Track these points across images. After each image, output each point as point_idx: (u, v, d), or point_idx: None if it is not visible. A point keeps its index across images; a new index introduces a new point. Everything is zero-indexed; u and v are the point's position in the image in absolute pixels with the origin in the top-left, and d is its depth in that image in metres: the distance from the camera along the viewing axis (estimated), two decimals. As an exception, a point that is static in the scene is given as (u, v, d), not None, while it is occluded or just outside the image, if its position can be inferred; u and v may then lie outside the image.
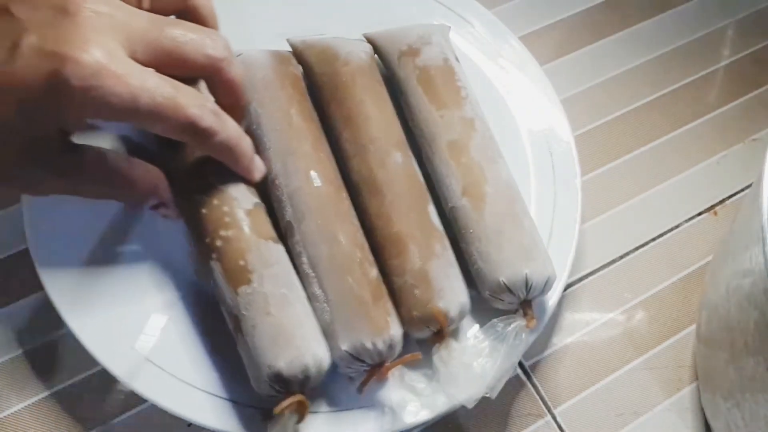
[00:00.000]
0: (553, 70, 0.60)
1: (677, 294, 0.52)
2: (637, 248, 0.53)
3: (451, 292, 0.43)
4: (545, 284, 0.44)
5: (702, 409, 0.47)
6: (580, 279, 0.52)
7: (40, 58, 0.34)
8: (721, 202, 0.56)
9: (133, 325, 0.43)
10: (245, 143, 0.42)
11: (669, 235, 0.54)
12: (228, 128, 0.40)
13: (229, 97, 0.41)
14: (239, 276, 0.40)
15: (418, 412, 0.41)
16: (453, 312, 0.42)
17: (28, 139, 0.36)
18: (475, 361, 0.42)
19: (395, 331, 0.41)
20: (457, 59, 0.50)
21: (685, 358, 0.50)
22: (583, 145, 0.57)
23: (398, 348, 0.42)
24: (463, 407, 0.41)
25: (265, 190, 0.44)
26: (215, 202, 0.41)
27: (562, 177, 0.51)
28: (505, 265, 0.43)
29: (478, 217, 0.45)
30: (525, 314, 0.43)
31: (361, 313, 0.41)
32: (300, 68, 0.49)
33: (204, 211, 0.41)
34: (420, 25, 0.51)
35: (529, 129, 0.53)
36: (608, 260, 0.53)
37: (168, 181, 0.42)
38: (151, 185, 0.41)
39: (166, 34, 0.38)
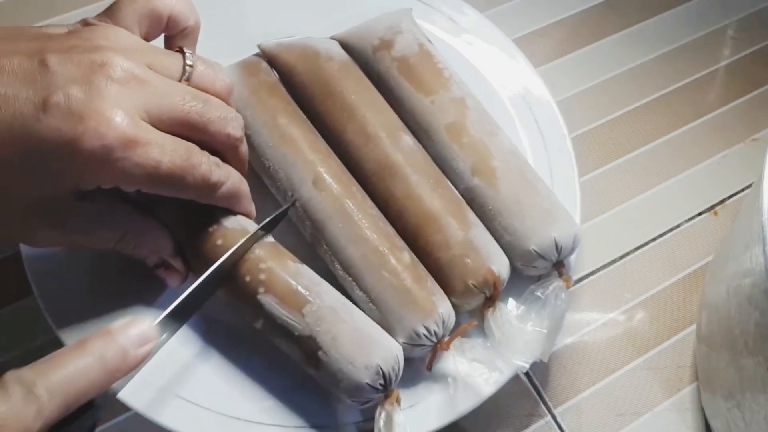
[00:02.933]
0: (553, 70, 0.60)
1: (677, 294, 0.52)
2: (637, 248, 0.53)
3: (497, 256, 0.44)
4: (573, 241, 0.44)
5: (702, 409, 0.47)
6: (580, 279, 0.52)
7: (66, 119, 0.33)
8: (722, 202, 0.56)
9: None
10: (245, 185, 0.42)
11: (669, 235, 0.54)
12: (232, 176, 0.40)
13: (236, 165, 0.42)
14: (298, 299, 0.40)
15: (489, 379, 0.42)
16: (504, 273, 0.43)
17: (36, 195, 0.35)
18: (526, 326, 0.43)
19: (443, 308, 0.42)
20: (429, 41, 0.50)
21: (686, 358, 0.50)
22: (583, 145, 0.57)
23: (451, 321, 0.42)
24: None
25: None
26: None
27: (551, 139, 0.51)
28: (532, 233, 0.44)
29: (493, 192, 0.45)
30: (560, 275, 0.44)
31: (406, 302, 0.41)
32: (273, 73, 0.48)
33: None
34: (385, 16, 0.51)
35: (509, 97, 0.53)
36: (608, 260, 0.53)
37: (174, 240, 0.41)
38: (153, 245, 0.40)
39: (196, 109, 0.38)
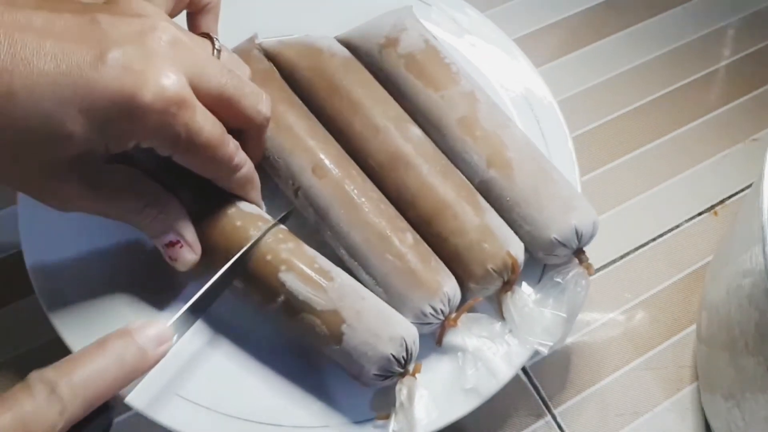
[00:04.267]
0: (554, 70, 0.60)
1: (677, 294, 0.52)
2: (637, 248, 0.53)
3: (513, 239, 0.44)
4: (593, 228, 0.45)
5: (702, 409, 0.47)
6: (581, 279, 0.52)
7: (126, 72, 0.34)
8: (722, 202, 0.56)
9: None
10: (257, 175, 0.43)
11: (669, 235, 0.54)
12: (248, 162, 0.41)
13: (255, 151, 0.43)
14: (320, 276, 0.40)
15: (497, 352, 0.42)
16: (521, 256, 0.44)
17: (81, 150, 0.35)
18: (545, 310, 0.43)
19: (448, 286, 0.42)
20: (434, 37, 0.51)
21: (686, 358, 0.50)
22: (583, 145, 0.57)
23: (457, 298, 0.43)
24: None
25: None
26: (260, 224, 0.41)
27: (553, 140, 0.51)
28: (552, 222, 0.44)
29: (510, 184, 0.45)
30: (581, 262, 0.44)
31: (412, 283, 0.42)
32: (265, 60, 0.49)
33: (252, 233, 0.41)
34: (387, 14, 0.51)
35: (511, 98, 0.53)
36: (608, 260, 0.53)
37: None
38: (173, 217, 0.40)
39: (233, 82, 0.39)
